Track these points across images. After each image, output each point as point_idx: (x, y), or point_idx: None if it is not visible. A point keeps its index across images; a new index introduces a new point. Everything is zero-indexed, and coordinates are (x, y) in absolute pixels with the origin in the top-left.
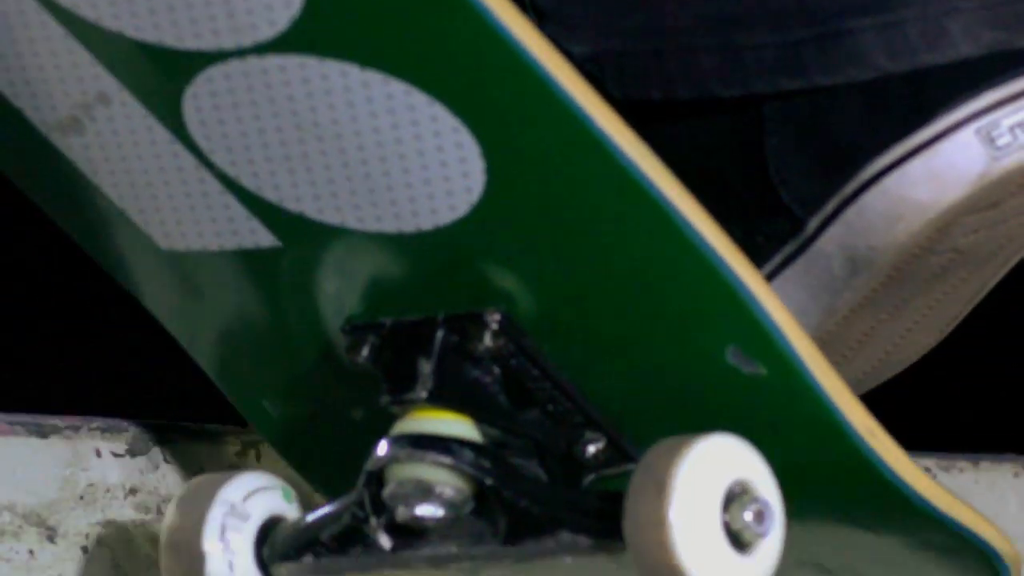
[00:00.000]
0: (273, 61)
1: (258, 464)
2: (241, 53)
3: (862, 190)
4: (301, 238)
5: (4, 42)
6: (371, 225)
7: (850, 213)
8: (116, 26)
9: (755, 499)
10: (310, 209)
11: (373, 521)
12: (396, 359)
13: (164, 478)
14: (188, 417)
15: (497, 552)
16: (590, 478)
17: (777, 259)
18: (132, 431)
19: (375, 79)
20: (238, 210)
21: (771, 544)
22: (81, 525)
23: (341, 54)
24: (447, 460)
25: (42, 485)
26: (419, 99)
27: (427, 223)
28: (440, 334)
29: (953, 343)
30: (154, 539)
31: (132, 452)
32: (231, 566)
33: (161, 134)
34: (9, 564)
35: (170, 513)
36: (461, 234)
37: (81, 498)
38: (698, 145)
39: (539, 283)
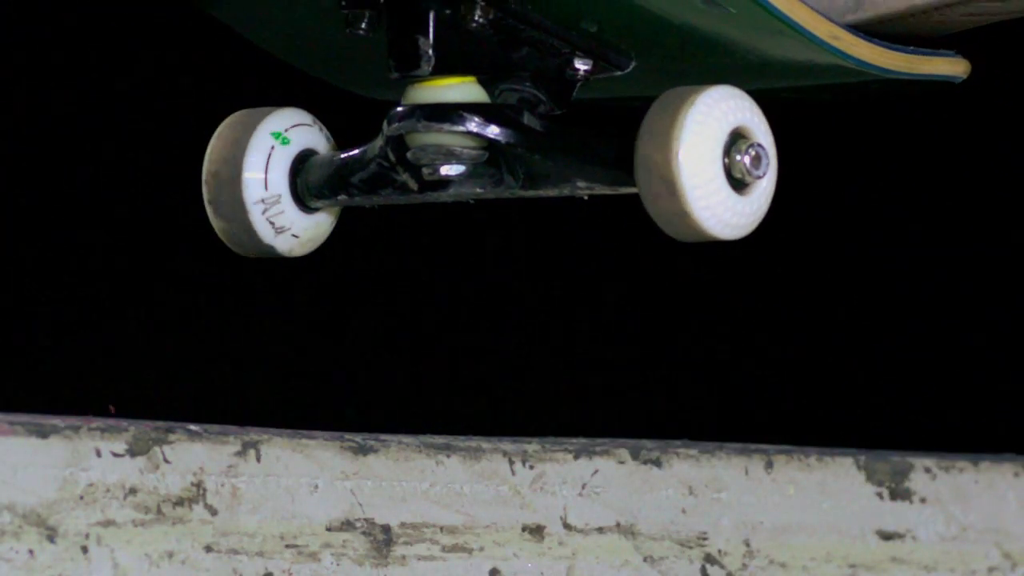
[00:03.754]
0: None
1: (258, 465)
2: None
3: None
4: None
5: None
6: None
7: None
8: None
9: (752, 144)
10: None
11: (401, 171)
12: (396, 37)
13: (164, 478)
14: (188, 417)
15: (517, 194)
16: (579, 85)
17: None
18: (132, 431)
19: None
20: None
21: (766, 185)
22: (81, 525)
23: None
24: (461, 128)
25: (42, 485)
26: None
27: None
28: (432, 11)
29: (953, 343)
30: (154, 539)
31: (132, 452)
32: (265, 184)
33: None
34: (9, 564)
35: (213, 144)
36: None
37: (81, 498)
38: None
39: None
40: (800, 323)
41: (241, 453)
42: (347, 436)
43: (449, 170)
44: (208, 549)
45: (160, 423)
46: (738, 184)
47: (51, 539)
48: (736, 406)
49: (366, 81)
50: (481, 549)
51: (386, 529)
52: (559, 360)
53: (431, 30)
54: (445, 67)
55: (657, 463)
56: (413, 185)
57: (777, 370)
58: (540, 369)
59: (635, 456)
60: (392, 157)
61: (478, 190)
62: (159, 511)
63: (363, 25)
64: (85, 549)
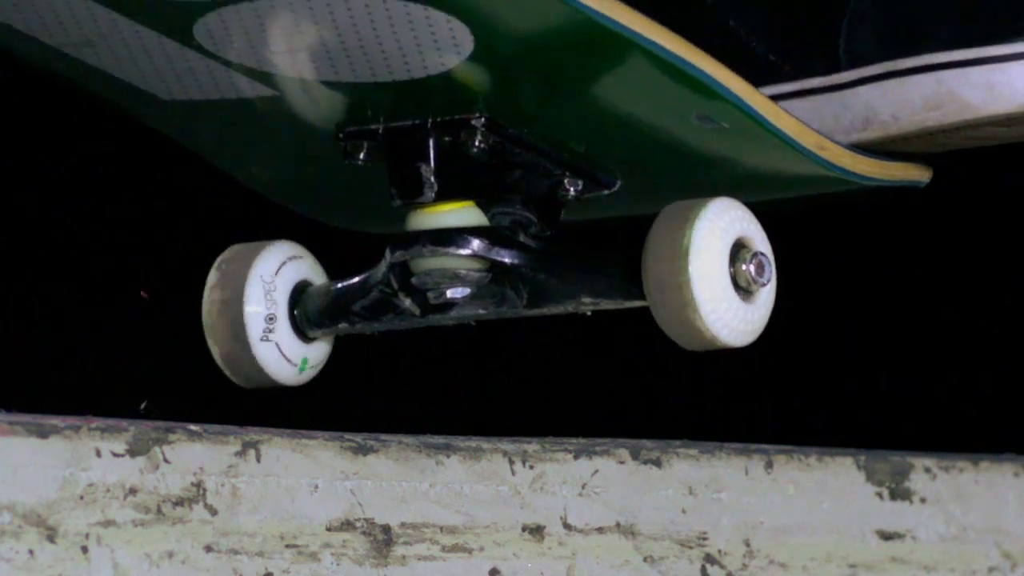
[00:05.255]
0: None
1: (258, 465)
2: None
3: (918, 71)
4: (297, 90)
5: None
6: (365, 78)
7: (893, 84)
8: None
9: (755, 253)
10: (307, 72)
11: (404, 297)
12: (396, 164)
13: (164, 478)
14: (188, 417)
15: (521, 313)
16: (567, 206)
17: (795, 87)
18: (132, 431)
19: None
20: (239, 78)
21: (769, 290)
22: (81, 525)
23: None
24: (466, 251)
25: (42, 485)
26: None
27: (419, 72)
28: (432, 139)
29: (954, 343)
30: (154, 539)
31: (132, 452)
32: (266, 317)
33: (171, 46)
34: (9, 564)
35: (210, 289)
36: (453, 77)
37: (81, 498)
38: None
39: (519, 91)
40: (800, 323)
41: (241, 453)
42: (347, 436)
43: (455, 293)
44: (208, 549)
45: (160, 423)
46: (744, 293)
47: (51, 539)
48: (736, 406)
49: (353, 216)
50: (481, 549)
51: (386, 529)
52: (559, 360)
53: (432, 157)
54: (446, 193)
55: (657, 463)
56: (415, 310)
57: (777, 370)
58: (540, 369)
59: (635, 456)
60: (395, 283)
61: (481, 311)
62: (159, 511)
63: (362, 155)
64: (85, 549)
